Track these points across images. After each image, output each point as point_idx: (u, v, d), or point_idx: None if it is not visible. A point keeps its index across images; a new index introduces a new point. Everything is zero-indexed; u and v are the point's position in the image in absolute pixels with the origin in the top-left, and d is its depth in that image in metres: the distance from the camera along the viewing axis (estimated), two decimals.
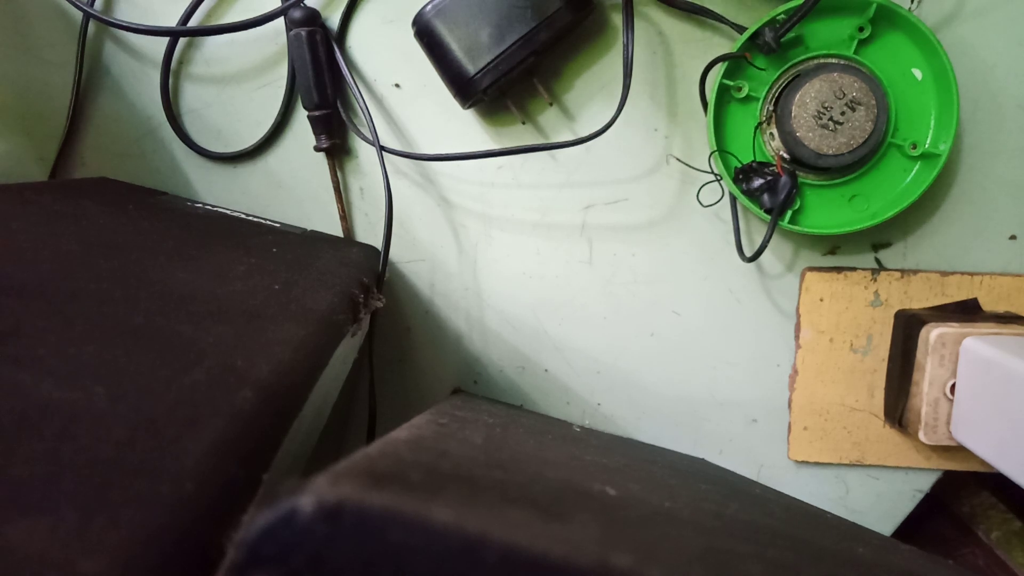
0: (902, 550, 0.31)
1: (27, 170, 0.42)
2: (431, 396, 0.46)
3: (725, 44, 0.40)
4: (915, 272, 0.41)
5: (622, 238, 0.43)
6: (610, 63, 0.41)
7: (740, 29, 0.38)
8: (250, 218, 0.43)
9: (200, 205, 0.43)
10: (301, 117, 0.43)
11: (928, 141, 0.37)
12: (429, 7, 0.38)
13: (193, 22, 0.43)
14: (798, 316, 0.42)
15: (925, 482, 0.44)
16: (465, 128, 0.43)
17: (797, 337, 0.43)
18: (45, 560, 0.15)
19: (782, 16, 0.36)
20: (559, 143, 0.40)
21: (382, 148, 0.41)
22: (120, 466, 0.18)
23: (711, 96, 0.37)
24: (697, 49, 0.41)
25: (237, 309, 0.27)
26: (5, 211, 0.31)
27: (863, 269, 0.42)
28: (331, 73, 0.42)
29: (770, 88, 0.38)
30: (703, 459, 0.44)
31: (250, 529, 0.14)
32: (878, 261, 0.42)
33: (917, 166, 0.38)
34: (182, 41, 0.43)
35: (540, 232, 0.43)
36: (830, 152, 0.37)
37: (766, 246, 0.38)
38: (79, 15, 0.42)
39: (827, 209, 0.39)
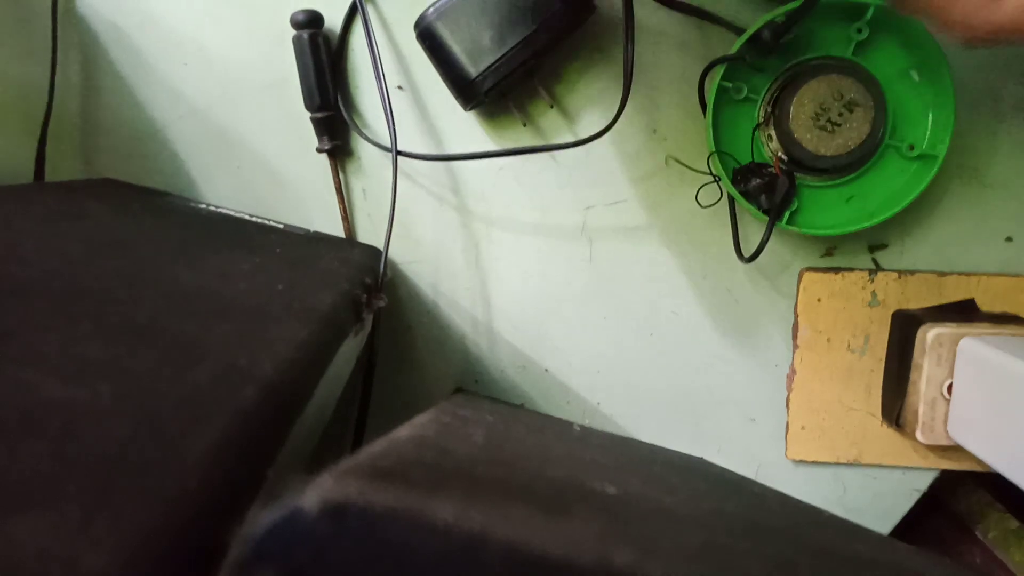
0: (899, 548, 0.31)
1: (31, 171, 0.42)
2: (433, 395, 0.47)
3: (724, 46, 0.40)
4: (912, 273, 0.41)
5: (622, 239, 0.43)
6: (610, 65, 0.41)
7: (739, 31, 0.38)
8: (253, 219, 0.43)
9: (204, 206, 0.44)
10: (305, 119, 0.43)
11: (925, 142, 0.38)
12: (431, 10, 0.38)
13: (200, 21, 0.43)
14: (796, 316, 0.43)
15: (922, 481, 0.44)
16: (467, 130, 0.43)
17: (795, 337, 0.43)
18: (49, 555, 0.15)
19: (781, 18, 0.36)
20: (560, 144, 0.40)
21: (398, 152, 0.41)
22: (124, 463, 0.18)
23: (710, 97, 0.38)
24: (696, 51, 0.41)
25: (241, 308, 0.28)
26: (9, 211, 0.31)
27: (860, 269, 0.42)
28: (333, 75, 0.42)
29: (768, 89, 0.38)
30: (701, 458, 0.44)
31: (254, 526, 0.14)
32: (875, 262, 0.42)
33: (914, 167, 0.38)
34: (185, 42, 0.43)
35: (541, 233, 0.44)
36: (828, 153, 0.37)
37: (764, 246, 0.38)
38: (81, 15, 0.42)
39: (825, 210, 0.39)
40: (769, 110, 0.39)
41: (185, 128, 0.44)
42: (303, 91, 0.42)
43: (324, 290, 0.32)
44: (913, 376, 0.39)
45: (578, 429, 0.39)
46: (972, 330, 0.38)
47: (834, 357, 0.43)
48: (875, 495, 0.44)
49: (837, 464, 0.44)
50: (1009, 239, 0.41)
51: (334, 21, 0.42)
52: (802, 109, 0.36)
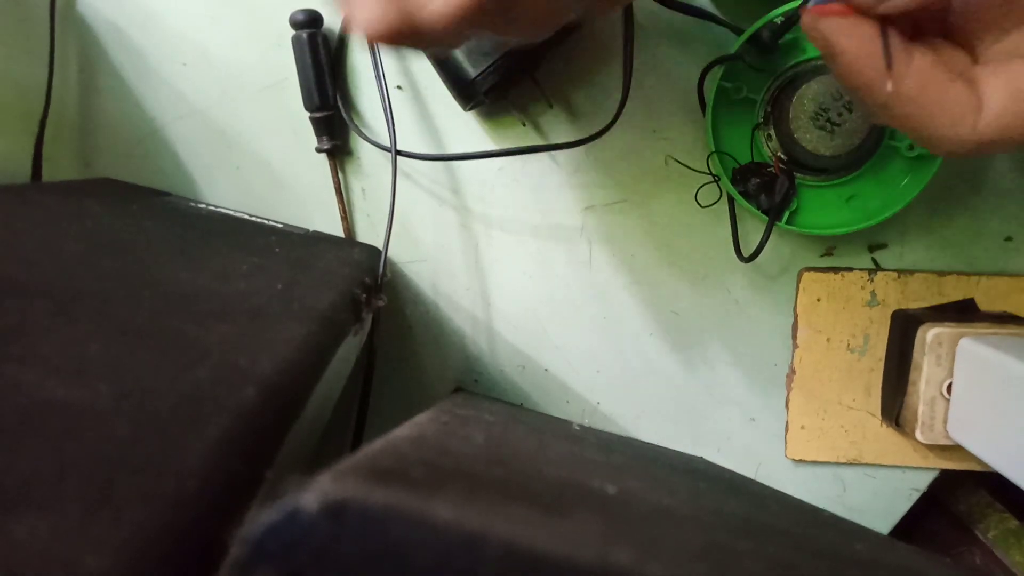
0: (899, 548, 0.31)
1: (29, 171, 0.42)
2: (433, 395, 0.47)
3: (723, 46, 0.40)
4: (912, 272, 0.41)
5: (621, 238, 0.43)
6: (610, 65, 0.41)
7: (738, 31, 0.38)
8: (253, 219, 0.43)
9: (203, 206, 0.44)
10: (304, 118, 0.43)
11: None
12: None
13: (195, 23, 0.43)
14: (795, 316, 0.43)
15: (922, 481, 0.44)
16: (466, 130, 0.43)
17: (794, 337, 0.43)
18: (50, 556, 0.16)
19: (780, 18, 0.36)
20: (559, 144, 0.40)
21: (397, 152, 0.41)
22: (124, 464, 0.18)
23: (709, 97, 0.38)
24: (695, 51, 0.41)
25: (240, 308, 0.28)
26: (9, 211, 0.31)
27: (860, 269, 0.42)
28: (332, 75, 0.42)
29: (768, 89, 0.38)
30: (702, 457, 0.44)
31: (254, 526, 0.14)
32: (875, 261, 0.42)
33: (914, 167, 0.38)
34: (185, 42, 0.43)
35: (540, 233, 0.44)
36: (827, 153, 0.37)
37: (763, 246, 0.38)
38: (80, 14, 0.42)
39: (824, 209, 0.39)
40: (768, 110, 0.39)
41: (185, 128, 0.44)
42: (302, 91, 0.42)
43: (324, 290, 0.32)
44: (912, 376, 0.39)
45: (578, 428, 0.39)
46: (971, 330, 0.38)
47: (833, 357, 0.43)
48: (875, 494, 0.44)
49: (837, 464, 0.44)
50: (1008, 239, 0.41)
51: (333, 21, 0.42)
52: (801, 109, 0.36)
